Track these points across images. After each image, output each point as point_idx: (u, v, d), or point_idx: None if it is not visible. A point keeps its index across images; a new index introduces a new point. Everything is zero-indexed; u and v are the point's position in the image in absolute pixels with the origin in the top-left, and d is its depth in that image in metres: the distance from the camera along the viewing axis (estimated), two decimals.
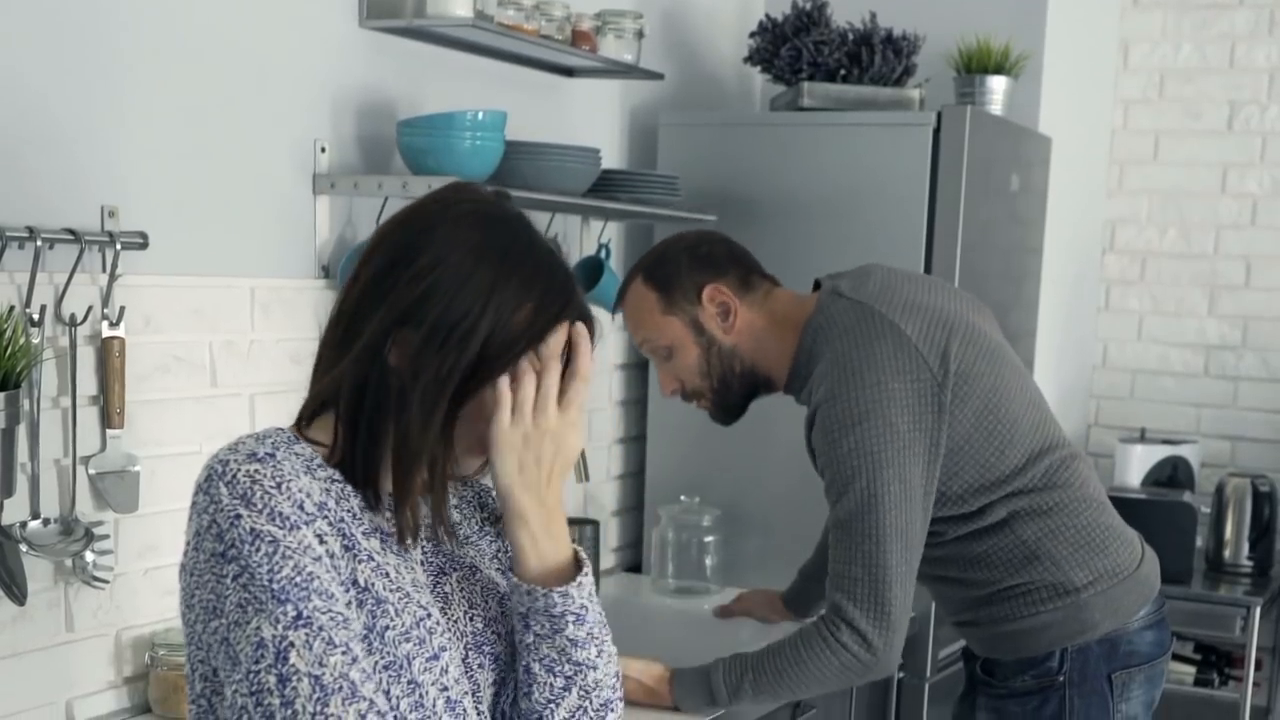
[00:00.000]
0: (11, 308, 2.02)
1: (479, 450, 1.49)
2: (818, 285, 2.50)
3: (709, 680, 2.39)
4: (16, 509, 2.08)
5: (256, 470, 1.38)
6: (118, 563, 2.22)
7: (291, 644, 1.33)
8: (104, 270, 2.16)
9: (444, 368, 1.42)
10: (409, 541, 1.47)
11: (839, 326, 2.36)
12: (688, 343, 2.46)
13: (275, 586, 1.34)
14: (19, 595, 2.04)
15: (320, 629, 1.34)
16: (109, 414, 2.19)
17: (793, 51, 3.35)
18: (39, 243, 2.04)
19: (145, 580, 2.30)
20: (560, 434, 1.47)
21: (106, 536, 2.19)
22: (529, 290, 1.44)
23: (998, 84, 3.48)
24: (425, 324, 1.41)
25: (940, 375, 2.31)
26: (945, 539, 2.40)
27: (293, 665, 1.32)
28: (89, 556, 2.16)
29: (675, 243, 2.53)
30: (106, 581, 2.18)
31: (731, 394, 2.51)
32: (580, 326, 1.49)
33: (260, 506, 1.36)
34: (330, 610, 1.36)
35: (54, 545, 2.13)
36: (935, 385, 2.30)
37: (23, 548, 2.07)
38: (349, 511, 1.45)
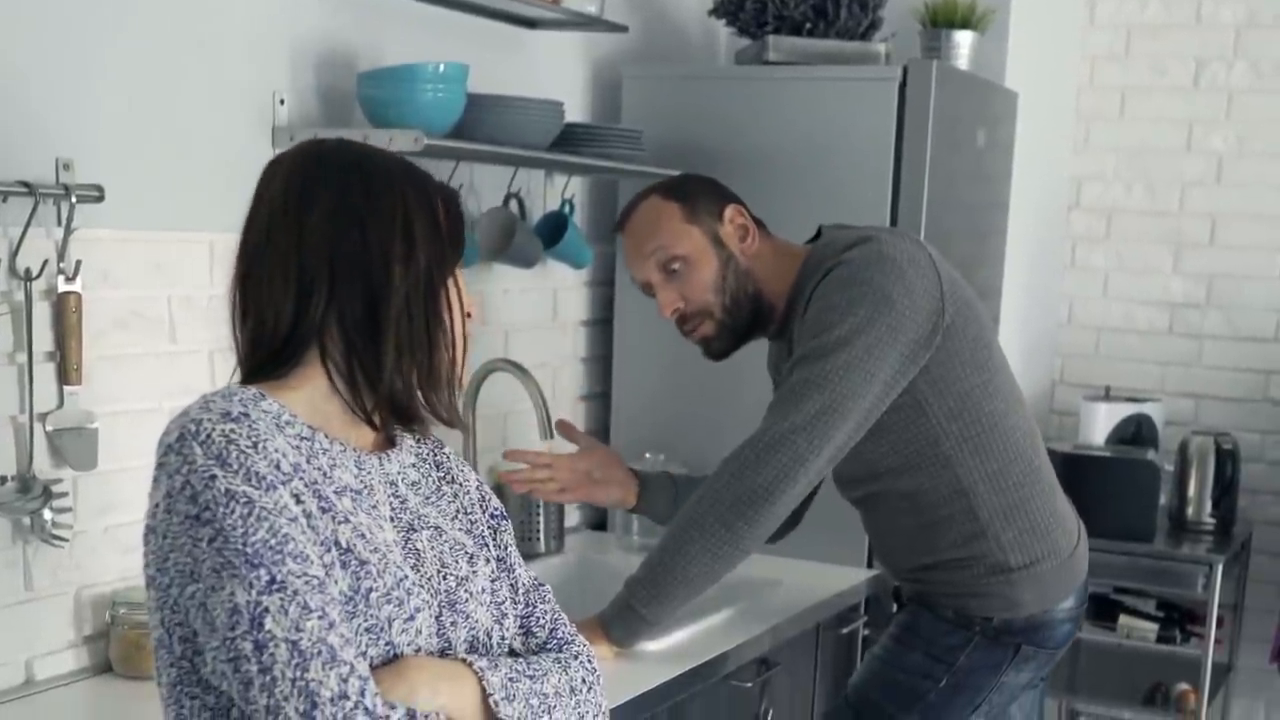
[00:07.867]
0: None
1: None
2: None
3: (629, 605, 2.38)
4: None
5: (232, 430, 1.37)
6: (77, 521, 2.20)
7: (266, 609, 1.31)
8: (59, 224, 2.12)
9: (432, 255, 1.50)
10: (456, 426, 1.56)
11: (851, 239, 2.42)
12: (707, 254, 2.47)
13: (249, 550, 1.32)
14: None
15: (295, 593, 1.32)
16: (66, 370, 2.16)
17: (758, 5, 3.33)
18: None
19: (105, 538, 2.27)
20: None
21: (65, 494, 2.16)
22: (430, 185, 1.55)
23: (964, 38, 3.46)
24: (394, 234, 1.48)
25: (943, 296, 2.34)
26: (920, 479, 2.42)
27: (269, 631, 1.31)
28: (47, 514, 2.13)
29: (689, 175, 2.63)
30: (65, 540, 2.16)
31: (740, 315, 2.49)
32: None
33: (236, 467, 1.35)
34: (305, 574, 1.34)
35: (11, 503, 2.10)
36: (938, 299, 2.33)
37: None
38: (320, 470, 1.45)
